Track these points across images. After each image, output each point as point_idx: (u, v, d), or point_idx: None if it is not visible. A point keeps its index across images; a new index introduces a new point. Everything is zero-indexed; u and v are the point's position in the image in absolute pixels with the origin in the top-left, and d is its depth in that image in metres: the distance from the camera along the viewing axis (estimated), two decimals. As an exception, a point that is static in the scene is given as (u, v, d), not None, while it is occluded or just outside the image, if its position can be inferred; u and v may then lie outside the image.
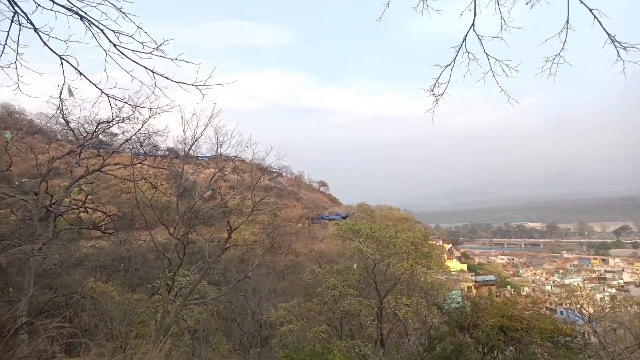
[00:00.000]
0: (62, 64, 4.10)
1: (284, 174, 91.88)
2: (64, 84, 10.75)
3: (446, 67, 3.99)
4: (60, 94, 10.76)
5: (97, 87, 4.50)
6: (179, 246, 11.00)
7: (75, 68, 4.06)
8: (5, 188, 10.65)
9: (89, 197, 13.27)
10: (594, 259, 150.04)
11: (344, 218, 70.52)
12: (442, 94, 4.16)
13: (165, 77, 4.06)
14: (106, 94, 4.64)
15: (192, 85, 4.16)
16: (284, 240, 46.58)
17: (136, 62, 3.83)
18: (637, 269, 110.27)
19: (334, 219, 76.02)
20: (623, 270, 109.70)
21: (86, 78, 4.18)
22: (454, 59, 3.84)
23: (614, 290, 74.53)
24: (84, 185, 14.51)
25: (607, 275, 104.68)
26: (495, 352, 16.01)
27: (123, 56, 3.73)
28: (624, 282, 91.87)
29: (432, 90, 4.21)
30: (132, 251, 36.72)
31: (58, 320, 4.59)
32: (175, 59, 3.91)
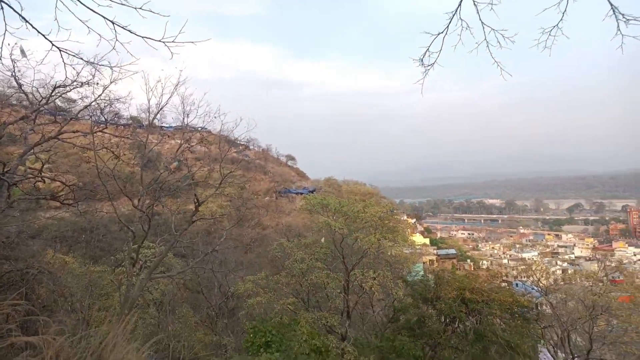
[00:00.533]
0: (1, 7, 3.45)
1: (251, 147, 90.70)
2: (15, 44, 9.95)
3: (438, 34, 3.79)
4: (11, 54, 10.00)
5: (46, 37, 3.83)
6: (143, 218, 10.64)
7: (18, 14, 3.41)
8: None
9: (46, 166, 12.58)
10: (548, 234, 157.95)
11: (312, 192, 70.79)
12: (432, 64, 3.99)
13: (128, 30, 3.50)
14: (57, 47, 3.98)
15: (159, 41, 3.61)
16: (252, 214, 46.35)
17: (93, 10, 3.28)
18: (587, 244, 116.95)
19: (301, 193, 76.19)
20: (574, 245, 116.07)
21: (31, 25, 3.52)
22: (447, 26, 3.64)
23: (565, 264, 78.96)
24: (39, 153, 13.72)
25: (560, 250, 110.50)
26: (457, 322, 16.62)
27: (77, 1, 3.22)
28: (575, 257, 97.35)
29: (422, 60, 4.02)
30: (93, 222, 35.60)
31: (12, 297, 4.31)
32: (140, 8, 3.35)
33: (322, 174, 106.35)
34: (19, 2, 3.47)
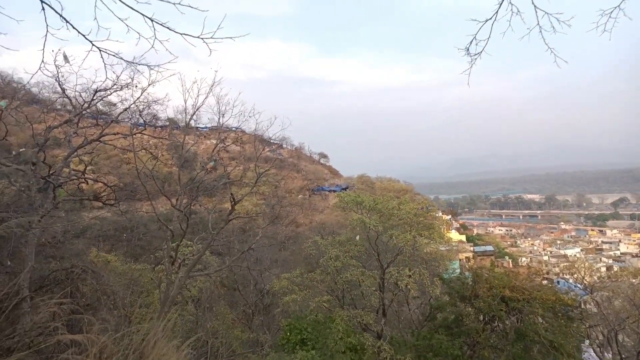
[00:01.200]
0: (43, 8, 3.49)
1: (284, 146, 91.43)
2: (59, 50, 10.33)
3: (486, 21, 3.59)
4: (55, 59, 10.39)
5: (86, 38, 3.87)
6: (181, 217, 10.86)
7: (58, 14, 3.48)
8: (2, 158, 10.43)
9: (88, 168, 13.05)
10: (592, 230, 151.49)
11: (345, 189, 70.68)
12: (479, 53, 3.80)
13: (167, 27, 3.50)
14: (97, 47, 4.03)
15: (198, 37, 3.61)
16: (286, 212, 46.69)
17: (132, 8, 3.27)
18: (634, 240, 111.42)
19: (334, 191, 76.17)
20: (620, 241, 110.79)
21: (72, 26, 3.57)
22: (496, 11, 3.45)
23: (610, 261, 75.54)
24: (83, 156, 14.25)
25: (604, 246, 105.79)
26: (496, 321, 16.16)
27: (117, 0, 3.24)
28: (621, 253, 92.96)
29: (468, 49, 3.84)
30: (134, 222, 36.74)
31: (59, 296, 4.45)
32: (179, 3, 3.35)
33: (355, 172, 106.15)
34: (60, 2, 3.50)
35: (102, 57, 4.24)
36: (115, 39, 3.84)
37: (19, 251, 7.86)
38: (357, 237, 19.04)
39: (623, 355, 14.73)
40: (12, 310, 4.55)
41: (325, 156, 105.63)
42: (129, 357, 4.08)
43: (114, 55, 4.29)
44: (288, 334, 13.27)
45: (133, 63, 5.57)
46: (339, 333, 13.48)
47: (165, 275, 10.22)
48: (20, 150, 17.25)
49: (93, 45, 3.99)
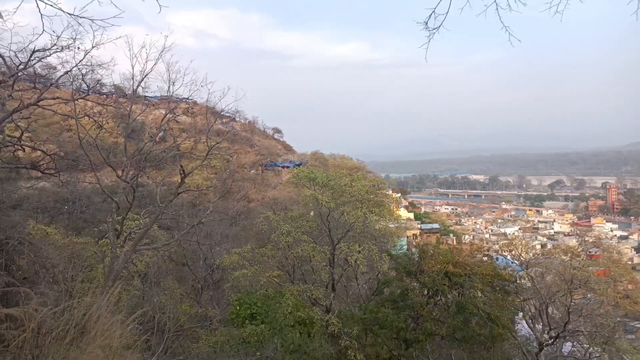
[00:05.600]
0: None
1: (237, 119, 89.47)
2: (-11, 3, 9.47)
3: None
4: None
5: None
6: (127, 189, 10.45)
7: None
8: None
9: (26, 134, 12.18)
10: (529, 210, 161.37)
11: (298, 165, 70.62)
12: (437, 28, 3.84)
13: None
14: None
15: None
16: (238, 187, 46.13)
17: None
18: (567, 220, 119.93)
19: (287, 167, 76.01)
20: (554, 221, 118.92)
21: None
22: None
23: (545, 239, 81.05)
24: (19, 121, 13.28)
25: (540, 225, 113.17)
26: (439, 295, 16.98)
27: None
28: (555, 232, 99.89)
29: (427, 23, 3.87)
30: (75, 193, 35.03)
31: (-8, 267, 4.19)
32: None
33: (308, 148, 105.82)
34: None
35: (37, 5, 3.88)
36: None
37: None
38: (312, 213, 19.23)
39: (552, 327, 15.88)
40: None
41: (279, 131, 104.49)
42: (70, 332, 3.93)
43: (52, 5, 3.93)
44: (237, 308, 13.29)
45: (74, 15, 5.09)
46: (289, 307, 13.67)
47: (109, 249, 9.87)
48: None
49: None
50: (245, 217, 35.58)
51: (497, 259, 35.80)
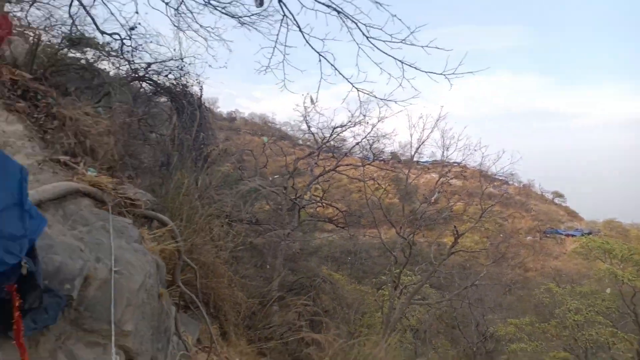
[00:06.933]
0: (320, 60, 4.54)
1: (510, 182, 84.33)
2: (307, 94, 12.27)
3: None
4: (304, 102, 12.44)
5: (348, 81, 4.74)
6: (404, 245, 11.19)
7: (331, 64, 4.41)
8: (262, 182, 12.74)
9: (324, 194, 14.82)
10: None
11: (587, 234, 60.48)
12: None
13: (414, 67, 3.99)
14: (356, 88, 4.84)
15: (441, 74, 3.97)
16: (512, 253, 42.61)
17: (386, 53, 3.87)
18: None
19: (573, 235, 65.93)
20: None
21: (339, 73, 4.47)
22: None
23: None
24: (320, 183, 16.30)
25: None
26: None
27: (374, 48, 3.83)
28: None
29: None
30: (357, 246, 39.28)
31: (304, 298, 5.13)
32: (426, 46, 3.80)
33: (599, 215, 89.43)
34: (332, 54, 4.46)
35: (358, 96, 4.97)
36: (370, 80, 4.54)
37: (271, 260, 9.41)
38: (608, 290, 16.09)
39: None
40: (268, 308, 5.47)
41: (560, 195, 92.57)
42: (358, 365, 4.39)
43: (368, 94, 4.96)
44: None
45: (384, 100, 6.05)
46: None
47: (387, 299, 10.60)
48: (275, 176, 20.78)
49: (353, 86, 4.76)
50: (522, 287, 32.33)
51: None
